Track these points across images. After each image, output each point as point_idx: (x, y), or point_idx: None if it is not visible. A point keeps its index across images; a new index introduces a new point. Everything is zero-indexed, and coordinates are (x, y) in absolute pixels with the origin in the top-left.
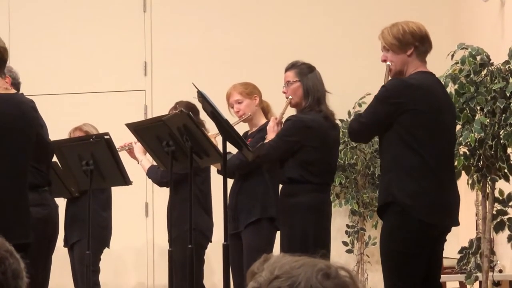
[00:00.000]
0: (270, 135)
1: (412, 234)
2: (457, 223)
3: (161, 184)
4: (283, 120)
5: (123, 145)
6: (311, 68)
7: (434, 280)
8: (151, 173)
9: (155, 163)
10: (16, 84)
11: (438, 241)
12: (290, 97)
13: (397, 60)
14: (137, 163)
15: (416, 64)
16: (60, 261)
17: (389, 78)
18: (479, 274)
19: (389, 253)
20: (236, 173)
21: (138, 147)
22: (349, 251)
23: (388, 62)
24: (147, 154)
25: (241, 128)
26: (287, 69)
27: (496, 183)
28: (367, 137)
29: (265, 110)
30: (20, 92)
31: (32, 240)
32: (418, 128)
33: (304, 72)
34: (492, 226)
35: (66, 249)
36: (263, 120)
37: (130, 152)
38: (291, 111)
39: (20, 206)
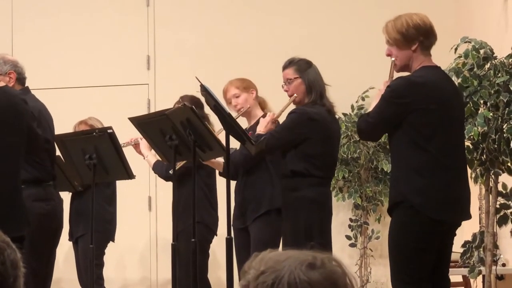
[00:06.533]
0: (261, 128)
1: (421, 229)
2: (469, 217)
3: (167, 178)
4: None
5: (129, 141)
6: (309, 63)
7: (442, 274)
8: (157, 168)
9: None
10: (21, 79)
11: (447, 235)
12: (295, 95)
13: (402, 55)
14: (143, 158)
15: (421, 58)
16: (65, 254)
17: (394, 73)
18: (482, 268)
19: (397, 248)
20: (240, 171)
21: (143, 143)
22: (352, 245)
23: (392, 58)
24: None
25: (241, 124)
26: (285, 67)
27: (499, 177)
28: (375, 136)
29: (262, 105)
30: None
31: (25, 234)
32: (427, 126)
33: (303, 68)
34: (495, 220)
35: (71, 243)
36: (260, 113)
37: (136, 147)
38: (291, 108)
39: (13, 199)
